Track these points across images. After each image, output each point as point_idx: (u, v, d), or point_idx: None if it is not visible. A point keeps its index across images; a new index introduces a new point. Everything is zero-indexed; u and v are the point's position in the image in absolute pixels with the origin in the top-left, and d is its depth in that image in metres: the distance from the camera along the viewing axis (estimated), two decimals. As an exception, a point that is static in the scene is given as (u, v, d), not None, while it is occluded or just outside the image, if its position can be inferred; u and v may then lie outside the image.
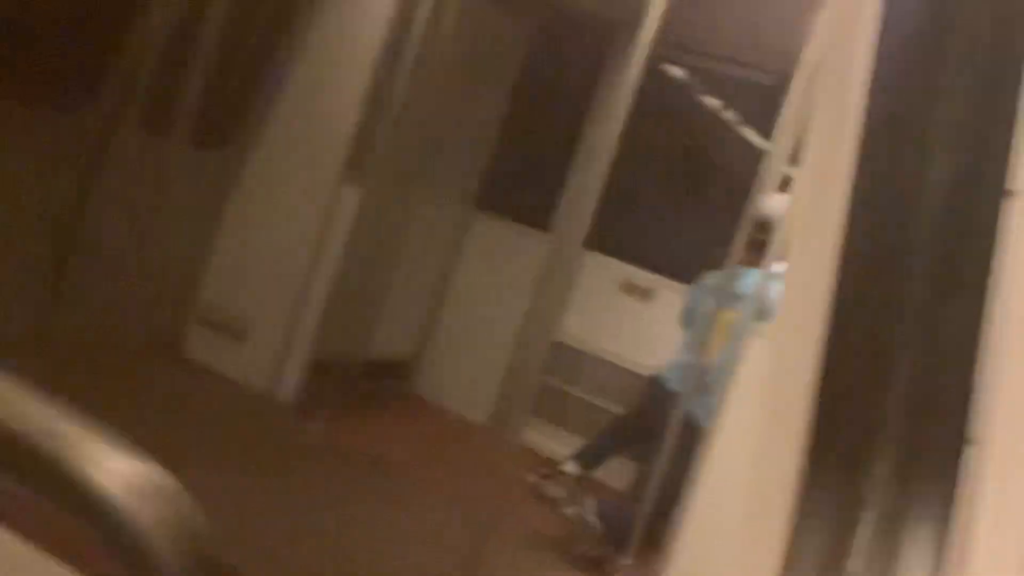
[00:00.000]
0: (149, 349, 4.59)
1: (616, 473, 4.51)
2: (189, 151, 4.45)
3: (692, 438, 3.90)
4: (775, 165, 4.04)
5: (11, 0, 3.38)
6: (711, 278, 4.41)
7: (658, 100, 4.90)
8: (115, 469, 0.52)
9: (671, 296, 4.84)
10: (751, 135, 5.68)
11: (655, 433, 4.02)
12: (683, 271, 4.79)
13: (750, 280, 4.06)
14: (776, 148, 4.02)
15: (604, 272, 5.15)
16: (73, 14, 3.80)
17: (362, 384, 4.95)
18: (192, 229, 4.64)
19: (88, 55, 3.97)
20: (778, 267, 3.72)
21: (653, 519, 3.93)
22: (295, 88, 4.66)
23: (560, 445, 4.88)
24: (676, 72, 5.72)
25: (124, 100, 4.04)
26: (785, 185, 4.19)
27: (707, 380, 4.15)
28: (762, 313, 3.76)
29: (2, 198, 3.74)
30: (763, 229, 4.06)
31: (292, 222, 4.61)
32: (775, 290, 3.73)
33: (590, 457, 4.36)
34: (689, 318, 4.48)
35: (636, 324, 5.10)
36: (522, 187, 5.52)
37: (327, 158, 4.59)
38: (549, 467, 4.31)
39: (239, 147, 4.66)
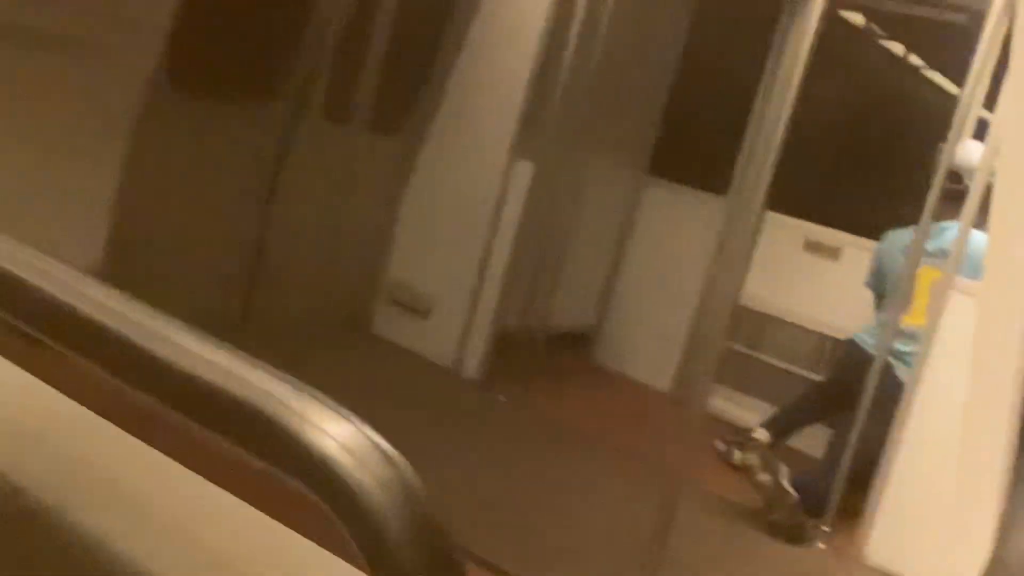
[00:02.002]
0: (340, 327, 4.79)
1: (810, 439, 4.37)
2: (369, 137, 4.60)
3: (892, 402, 3.73)
4: (968, 111, 3.78)
5: (199, 7, 3.58)
6: (900, 235, 4.18)
7: (838, 49, 4.68)
8: (334, 432, 0.54)
9: (858, 254, 4.62)
10: (940, 80, 5.34)
11: (852, 399, 3.87)
12: (870, 227, 4.57)
13: (949, 235, 3.83)
14: (969, 93, 3.76)
15: (786, 232, 4.97)
16: (254, 14, 3.99)
17: (544, 356, 5.00)
18: (376, 211, 4.80)
19: (271, 52, 4.16)
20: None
21: (851, 485, 3.80)
22: (465, 67, 4.72)
23: (746, 411, 4.78)
24: (854, 17, 5.45)
25: (306, 93, 4.21)
26: (981, 131, 3.92)
27: (914, 343, 3.94)
28: (963, 269, 3.54)
29: (201, 189, 3.98)
30: (959, 180, 3.82)
31: (469, 199, 4.69)
32: (977, 244, 3.51)
33: (782, 425, 4.24)
34: (878, 278, 4.27)
35: (822, 285, 4.91)
36: (696, 150, 5.40)
37: (498, 134, 4.63)
38: (738, 434, 4.23)
39: (415, 129, 4.78)
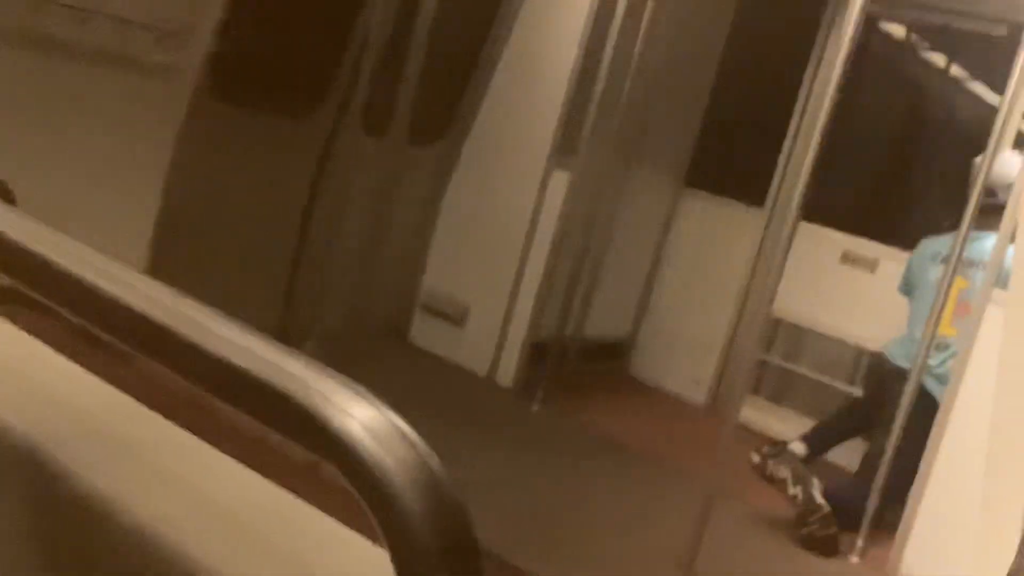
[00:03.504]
0: (377, 336, 4.84)
1: (844, 451, 4.34)
2: (407, 148, 4.65)
3: (925, 416, 3.70)
4: (1007, 122, 3.76)
5: (242, 22, 3.66)
6: (934, 244, 4.16)
7: (877, 60, 4.67)
8: (358, 415, 0.57)
9: (896, 266, 4.59)
10: (981, 91, 5.31)
11: (883, 412, 3.85)
12: (909, 239, 4.54)
13: (984, 245, 3.80)
14: (1007, 104, 3.75)
15: (822, 244, 4.95)
16: (295, 30, 4.06)
17: (578, 365, 5.02)
18: (413, 221, 4.85)
19: (312, 67, 4.23)
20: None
21: (885, 499, 3.77)
22: (502, 78, 4.77)
23: (781, 423, 4.76)
24: (895, 29, 5.42)
25: (346, 105, 4.27)
26: (1021, 143, 3.90)
27: (940, 354, 3.92)
28: (1000, 280, 3.51)
29: (243, 198, 4.06)
30: (995, 193, 3.79)
31: (505, 209, 4.73)
32: (1013, 256, 3.48)
33: (820, 440, 4.21)
34: (910, 287, 4.25)
35: (860, 297, 4.87)
36: (732, 161, 5.40)
37: (536, 144, 4.67)
38: (773, 446, 4.21)
39: (452, 141, 4.83)
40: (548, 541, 3.29)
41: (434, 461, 0.57)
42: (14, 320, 0.84)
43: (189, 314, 0.65)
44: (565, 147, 4.64)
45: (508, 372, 4.72)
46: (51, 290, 0.71)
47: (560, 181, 4.64)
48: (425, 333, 4.93)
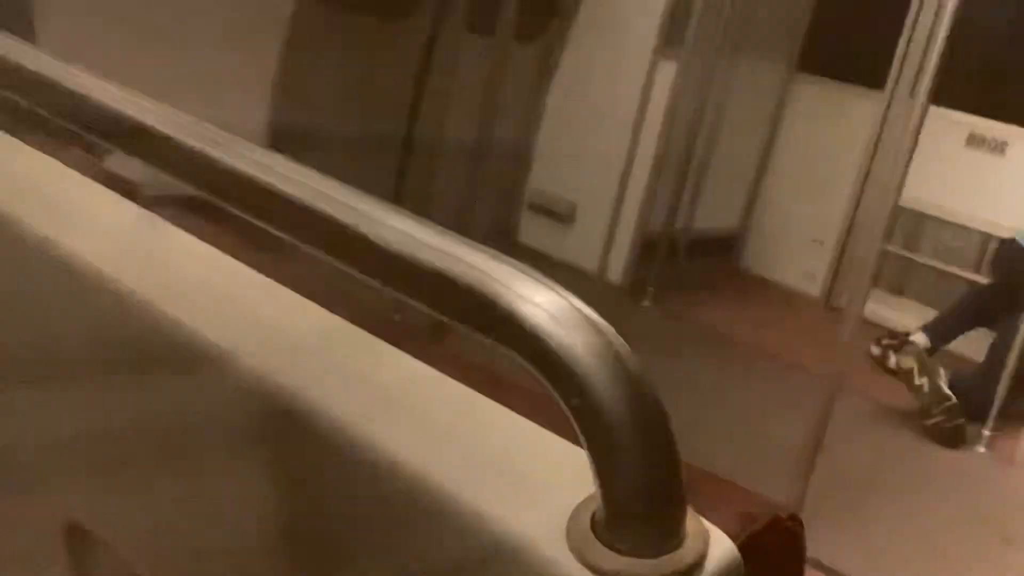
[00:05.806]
0: (485, 236, 4.84)
1: (969, 341, 4.20)
2: (511, 45, 4.56)
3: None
4: None
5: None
6: None
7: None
8: (542, 302, 0.56)
9: (1029, 147, 4.35)
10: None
11: (1014, 301, 3.70)
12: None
13: None
14: None
15: (946, 126, 4.70)
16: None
17: (689, 260, 4.95)
18: (518, 120, 4.79)
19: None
20: None
21: (1013, 389, 3.66)
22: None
23: (901, 314, 4.62)
24: None
25: (448, 3, 4.20)
26: None
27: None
28: None
29: (347, 102, 4.06)
30: None
31: (611, 103, 4.63)
32: None
33: (943, 330, 4.09)
34: None
35: (987, 181, 4.64)
36: (849, 43, 5.14)
37: (641, 35, 4.53)
38: (895, 338, 4.11)
39: (556, 35, 4.72)
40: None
41: (624, 347, 0.56)
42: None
43: (361, 206, 0.64)
44: (671, 37, 4.48)
45: (618, 269, 4.68)
46: (219, 188, 0.70)
47: (667, 72, 4.50)
48: (533, 232, 4.91)
